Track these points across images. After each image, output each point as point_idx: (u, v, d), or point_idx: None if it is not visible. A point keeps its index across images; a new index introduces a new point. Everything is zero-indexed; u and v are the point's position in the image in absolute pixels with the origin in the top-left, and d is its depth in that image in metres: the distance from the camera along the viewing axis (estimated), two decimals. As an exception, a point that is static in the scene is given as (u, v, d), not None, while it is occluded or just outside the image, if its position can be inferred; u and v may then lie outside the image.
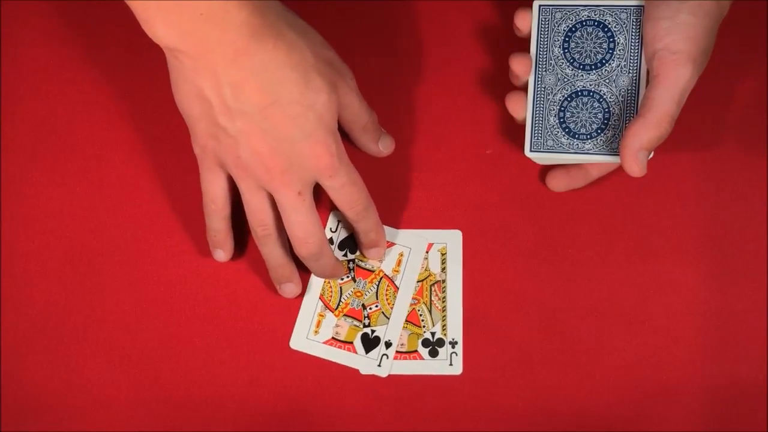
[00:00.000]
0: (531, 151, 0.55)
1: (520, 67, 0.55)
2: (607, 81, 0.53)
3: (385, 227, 0.59)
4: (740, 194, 0.59)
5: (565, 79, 0.54)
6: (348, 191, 0.54)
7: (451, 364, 0.58)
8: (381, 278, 0.59)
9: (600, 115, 0.53)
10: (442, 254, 0.59)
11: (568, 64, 0.54)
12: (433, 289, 0.59)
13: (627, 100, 0.53)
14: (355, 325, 0.58)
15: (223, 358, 0.58)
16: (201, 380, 0.58)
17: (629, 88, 0.53)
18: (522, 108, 0.55)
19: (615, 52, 0.53)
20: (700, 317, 0.59)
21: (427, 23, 0.61)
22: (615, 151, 0.53)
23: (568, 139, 0.54)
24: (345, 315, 0.59)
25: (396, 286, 0.59)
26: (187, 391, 0.58)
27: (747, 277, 0.59)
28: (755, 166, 0.60)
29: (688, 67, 0.50)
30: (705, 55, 0.51)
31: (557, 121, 0.54)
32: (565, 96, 0.54)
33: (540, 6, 0.54)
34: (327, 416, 0.58)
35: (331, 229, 0.59)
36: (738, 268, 0.59)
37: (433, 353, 0.58)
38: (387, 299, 0.59)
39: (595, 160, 0.54)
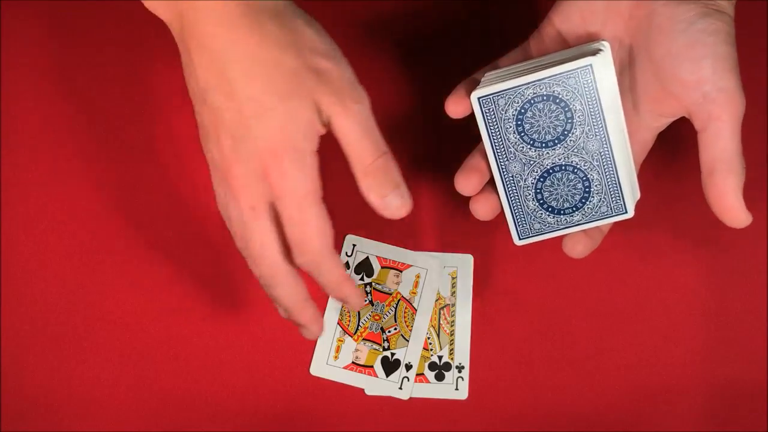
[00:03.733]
0: (520, 239, 0.52)
1: (485, 209, 0.52)
2: (576, 150, 0.50)
3: (402, 249, 0.59)
4: (740, 194, 0.59)
5: (531, 162, 0.50)
6: (295, 230, 0.46)
7: (457, 389, 0.58)
8: (399, 300, 0.59)
9: (579, 186, 0.50)
10: (453, 278, 0.59)
11: (528, 146, 0.50)
12: (442, 312, 0.59)
13: (602, 162, 0.50)
14: (375, 349, 0.58)
15: (223, 358, 0.58)
16: (201, 380, 0.58)
17: (600, 150, 0.49)
18: (493, 209, 0.52)
19: (575, 120, 0.49)
20: (700, 317, 0.59)
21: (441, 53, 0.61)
22: (606, 215, 0.51)
23: (554, 217, 0.52)
24: (364, 339, 0.59)
25: (414, 308, 0.59)
26: (188, 392, 0.58)
27: (747, 277, 0.59)
28: (755, 166, 0.60)
29: (742, 97, 0.48)
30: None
31: (537, 204, 0.51)
32: (537, 178, 0.51)
33: (479, 98, 0.49)
34: None
35: (346, 253, 0.59)
36: (738, 268, 0.59)
37: (440, 377, 0.58)
38: (405, 321, 0.59)
39: (589, 227, 0.52)
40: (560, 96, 0.49)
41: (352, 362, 0.58)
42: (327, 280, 0.48)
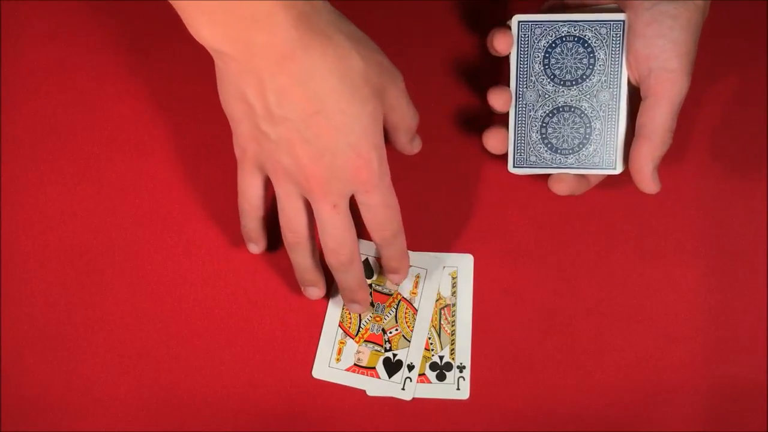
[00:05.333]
0: (514, 167, 0.56)
1: (499, 101, 0.55)
2: (588, 96, 0.54)
3: None
4: (740, 194, 0.60)
5: (546, 96, 0.54)
6: (380, 213, 0.53)
7: (458, 389, 0.58)
8: (399, 301, 0.59)
9: (582, 130, 0.54)
10: (453, 278, 0.59)
11: (548, 80, 0.54)
12: (443, 312, 0.59)
13: (608, 114, 0.54)
14: (377, 350, 0.58)
15: (223, 358, 0.58)
16: (201, 380, 0.58)
17: (610, 102, 0.54)
18: (502, 144, 0.56)
19: (595, 68, 0.53)
20: (700, 317, 0.59)
21: (442, 45, 0.61)
22: (597, 165, 0.54)
23: (550, 154, 0.55)
24: (365, 341, 0.59)
25: (415, 309, 0.59)
26: (188, 392, 0.58)
27: (747, 277, 0.59)
28: (755, 166, 0.60)
29: (685, 81, 0.52)
30: (693, 63, 0.52)
31: (539, 137, 0.55)
32: (547, 112, 0.55)
33: (519, 22, 0.54)
34: None
35: None
36: (738, 268, 0.59)
37: (441, 377, 0.58)
38: (407, 322, 0.59)
39: (579, 172, 0.55)
40: (590, 41, 0.53)
41: (354, 364, 0.58)
42: (394, 252, 0.55)
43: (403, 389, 0.58)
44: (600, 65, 0.53)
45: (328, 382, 0.58)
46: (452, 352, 0.58)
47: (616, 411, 0.58)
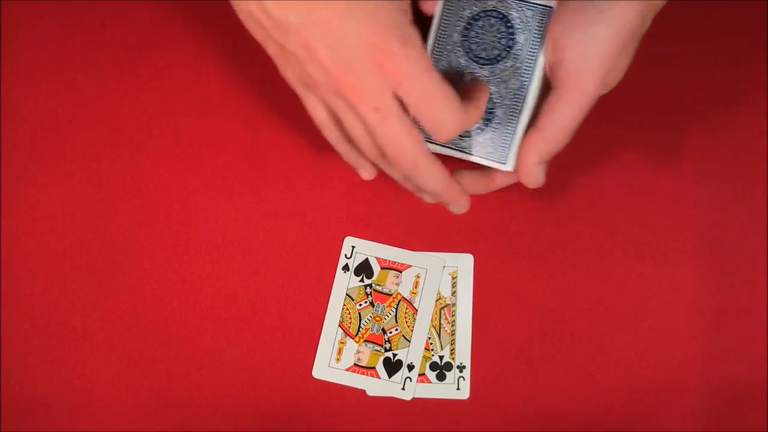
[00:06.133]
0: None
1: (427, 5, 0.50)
2: (498, 80, 0.50)
3: (401, 250, 0.59)
4: (740, 194, 0.60)
5: (458, 70, 0.50)
6: (422, 108, 0.45)
7: (458, 389, 0.58)
8: (399, 301, 0.59)
9: (483, 115, 0.50)
10: (453, 278, 0.59)
11: (463, 53, 0.50)
12: (442, 312, 0.59)
13: (512, 104, 0.50)
14: (377, 350, 0.58)
15: (223, 358, 0.58)
16: (201, 381, 0.58)
17: (517, 92, 0.49)
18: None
19: (512, 51, 0.49)
20: (700, 317, 0.59)
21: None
22: (489, 156, 0.51)
23: None
24: (365, 341, 0.59)
25: (415, 308, 0.59)
26: (188, 392, 0.58)
27: (747, 277, 0.59)
28: (755, 166, 0.60)
29: (596, 86, 0.46)
30: (617, 73, 0.47)
31: None
32: (455, 84, 0.49)
33: None
34: None
35: (345, 255, 0.59)
36: (738, 268, 0.59)
37: (441, 377, 0.58)
38: (407, 322, 0.59)
39: (470, 159, 0.51)
40: (513, 21, 0.49)
41: (354, 364, 0.58)
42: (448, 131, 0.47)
43: (403, 389, 0.58)
44: (517, 49, 0.49)
45: (328, 383, 0.58)
46: (452, 352, 0.58)
47: (616, 411, 0.58)
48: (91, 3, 0.60)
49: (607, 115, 0.58)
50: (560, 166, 0.59)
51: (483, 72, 0.50)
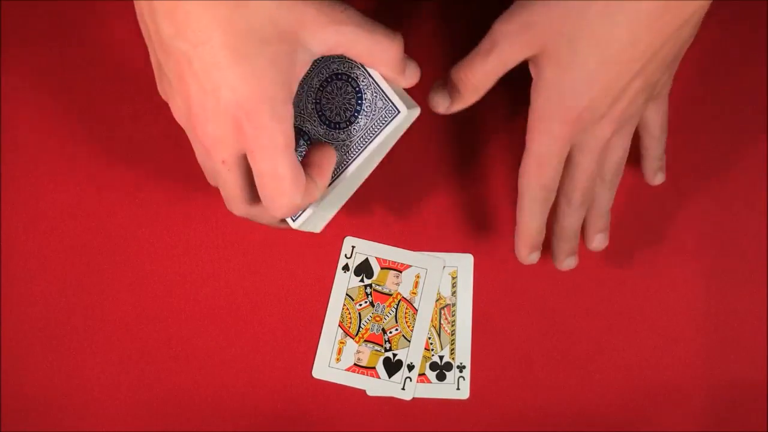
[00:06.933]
0: None
1: None
2: (357, 139, 0.48)
3: (401, 250, 0.59)
4: (740, 194, 0.60)
5: (317, 138, 0.49)
6: (268, 183, 0.44)
7: (458, 389, 0.58)
8: (399, 301, 0.59)
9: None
10: (453, 278, 0.59)
11: (320, 122, 0.49)
12: (442, 312, 0.59)
13: (336, 173, 0.48)
14: (377, 350, 0.58)
15: (223, 358, 0.58)
16: (201, 381, 0.58)
17: (342, 162, 0.48)
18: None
19: (362, 109, 0.47)
20: (700, 317, 0.59)
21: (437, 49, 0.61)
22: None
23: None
24: (365, 340, 0.59)
25: (415, 308, 0.59)
26: (188, 392, 0.58)
27: (747, 277, 0.59)
28: (755, 166, 0.60)
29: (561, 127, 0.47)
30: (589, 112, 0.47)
31: None
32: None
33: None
34: None
35: (345, 255, 0.59)
36: (738, 268, 0.59)
37: (441, 377, 0.58)
38: (407, 322, 0.59)
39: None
40: (357, 80, 0.47)
41: (354, 364, 0.58)
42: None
43: (403, 389, 0.58)
44: (366, 107, 0.47)
45: (328, 383, 0.58)
46: (452, 352, 0.58)
47: (616, 411, 0.58)
48: (91, 3, 0.60)
49: (607, 115, 0.58)
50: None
51: (341, 136, 0.48)
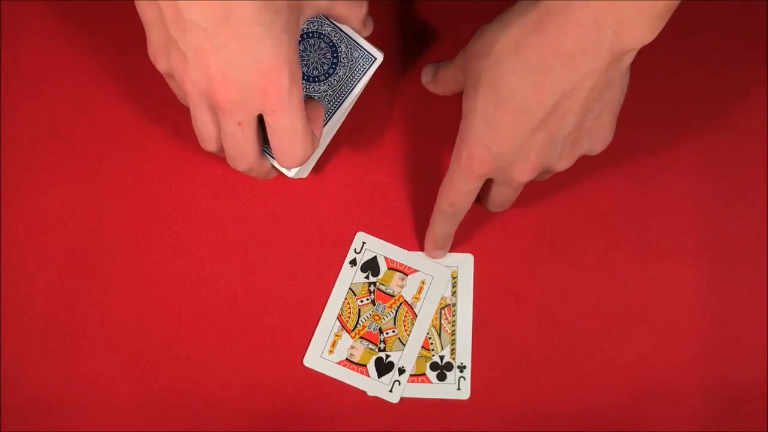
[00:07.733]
0: None
1: None
2: (338, 88, 0.53)
3: (411, 253, 0.59)
4: (740, 194, 0.60)
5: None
6: (285, 138, 0.48)
7: (458, 389, 0.58)
8: (400, 304, 0.59)
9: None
10: (453, 278, 0.59)
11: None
12: (443, 312, 0.59)
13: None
14: (371, 349, 0.58)
15: (224, 359, 0.58)
16: (202, 381, 0.58)
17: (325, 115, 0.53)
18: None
19: (339, 61, 0.53)
20: (700, 317, 0.59)
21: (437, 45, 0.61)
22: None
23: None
24: (361, 337, 0.59)
25: (415, 314, 0.59)
26: (188, 392, 0.58)
27: (747, 277, 0.59)
28: (755, 166, 0.60)
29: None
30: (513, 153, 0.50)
31: None
32: None
33: None
34: None
35: (355, 249, 0.59)
36: (738, 268, 0.59)
37: (441, 377, 0.58)
38: (405, 325, 0.59)
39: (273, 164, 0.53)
40: (329, 36, 0.53)
41: (346, 359, 0.58)
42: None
43: (390, 391, 0.58)
44: (343, 57, 0.53)
45: (327, 377, 0.58)
46: (453, 352, 0.58)
47: (616, 411, 0.58)
48: (91, 3, 0.60)
49: (607, 115, 0.58)
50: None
51: (322, 87, 0.53)
